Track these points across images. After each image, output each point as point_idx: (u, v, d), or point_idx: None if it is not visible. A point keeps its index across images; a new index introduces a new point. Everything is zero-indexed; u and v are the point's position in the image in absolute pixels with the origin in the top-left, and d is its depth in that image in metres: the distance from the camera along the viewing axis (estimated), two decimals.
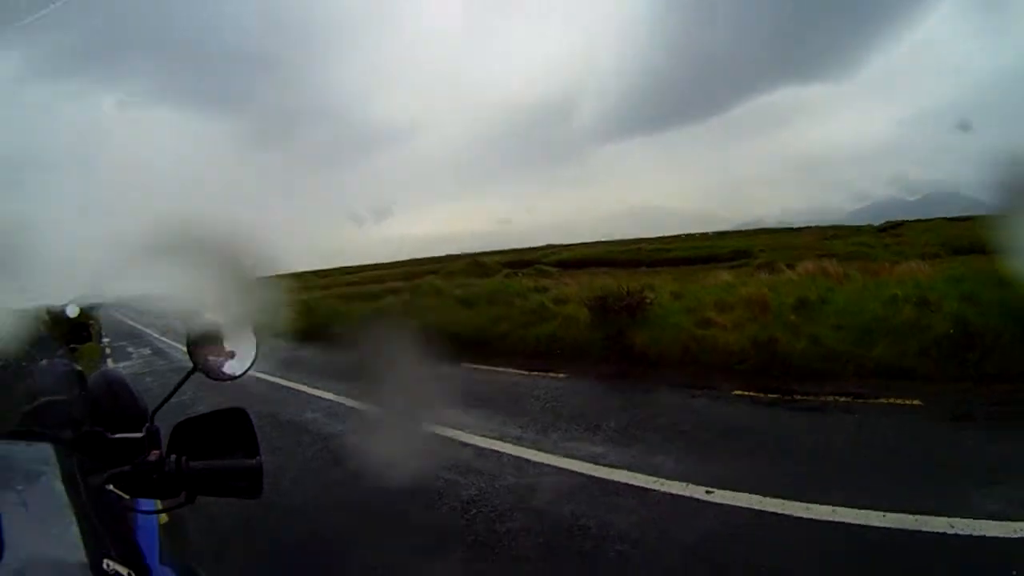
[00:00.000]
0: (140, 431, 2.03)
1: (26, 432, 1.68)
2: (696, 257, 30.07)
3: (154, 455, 1.74)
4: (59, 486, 1.34)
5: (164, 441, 1.81)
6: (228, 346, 2.05)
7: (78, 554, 1.17)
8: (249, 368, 2.06)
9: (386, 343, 17.51)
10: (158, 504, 2.01)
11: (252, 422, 1.86)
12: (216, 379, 2.02)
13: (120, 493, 1.65)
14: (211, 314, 2.07)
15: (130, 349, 25.94)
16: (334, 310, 23.82)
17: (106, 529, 1.39)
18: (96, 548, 1.22)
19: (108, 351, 24.98)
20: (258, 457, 1.81)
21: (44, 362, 2.19)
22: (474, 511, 5.89)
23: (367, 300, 25.12)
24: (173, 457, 1.73)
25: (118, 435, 1.89)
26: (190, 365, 1.99)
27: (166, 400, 1.93)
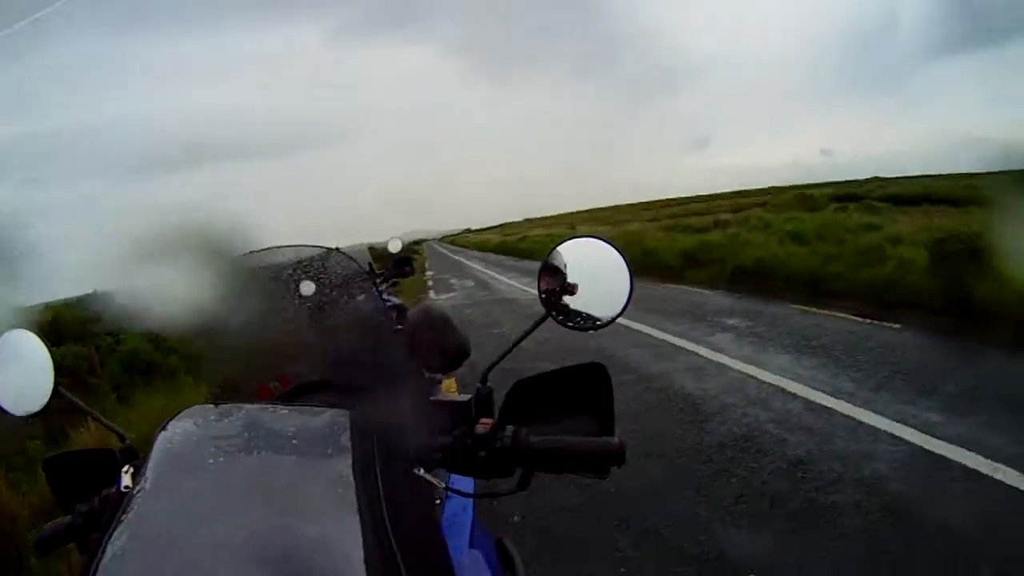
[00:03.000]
0: (458, 368, 2.06)
1: (323, 384, 1.68)
2: None
3: (484, 425, 1.53)
4: (350, 467, 1.18)
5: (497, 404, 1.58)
6: (575, 288, 1.63)
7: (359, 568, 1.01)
8: (621, 312, 1.65)
9: (716, 282, 17.84)
10: (481, 485, 1.74)
11: (611, 381, 1.57)
12: (577, 327, 1.65)
13: (432, 480, 1.49)
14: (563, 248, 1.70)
15: (453, 281, 27.48)
16: (660, 243, 24.17)
17: (408, 515, 1.27)
18: (386, 556, 1.09)
19: (431, 284, 26.26)
20: (613, 432, 1.52)
21: (362, 298, 2.07)
22: (800, 475, 5.85)
23: (693, 233, 25.37)
24: (509, 429, 1.50)
25: (440, 397, 1.73)
26: (514, 299, 1.74)
27: (504, 355, 1.63)
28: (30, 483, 6.98)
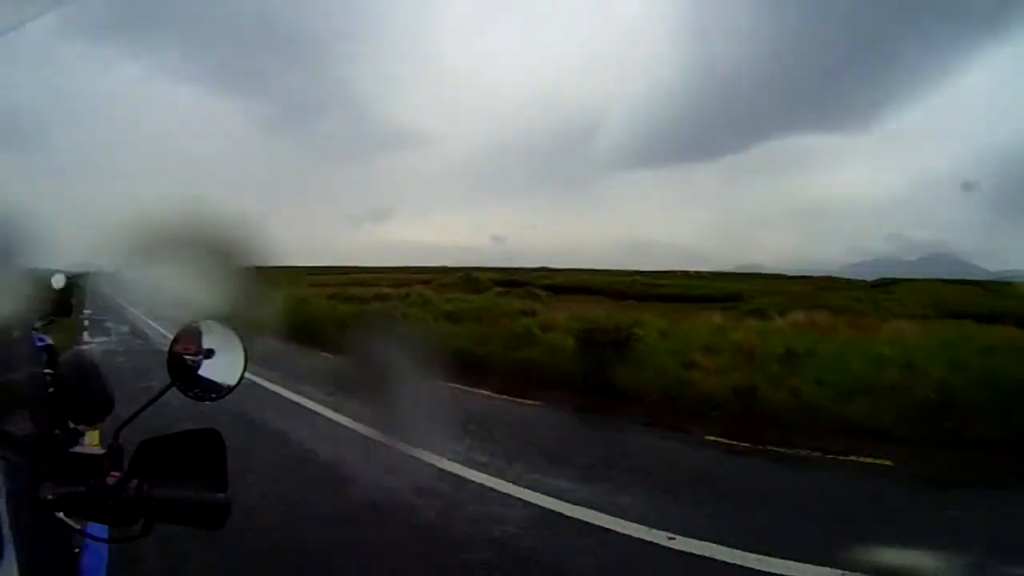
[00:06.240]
0: (101, 421, 2.08)
1: None
2: (688, 295, 30.22)
3: (113, 478, 1.57)
4: (2, 506, 1.28)
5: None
6: (212, 352, 1.83)
7: None
8: (236, 384, 1.84)
9: (364, 355, 17.46)
10: (111, 532, 1.81)
11: (224, 446, 1.68)
12: (197, 397, 1.80)
13: (70, 522, 1.55)
14: (194, 311, 1.90)
15: (109, 324, 25.91)
16: (321, 312, 23.81)
17: (50, 559, 1.42)
18: None
19: (86, 323, 24.88)
20: (226, 490, 1.64)
21: (16, 335, 2.17)
22: (433, 537, 5.80)
23: (354, 304, 25.17)
24: (134, 482, 1.55)
25: (76, 450, 1.76)
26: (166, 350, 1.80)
27: (133, 417, 1.69)
28: None
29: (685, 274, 39.46)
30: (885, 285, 34.49)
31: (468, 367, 14.67)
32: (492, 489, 6.93)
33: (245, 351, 1.84)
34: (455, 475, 7.35)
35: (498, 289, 29.33)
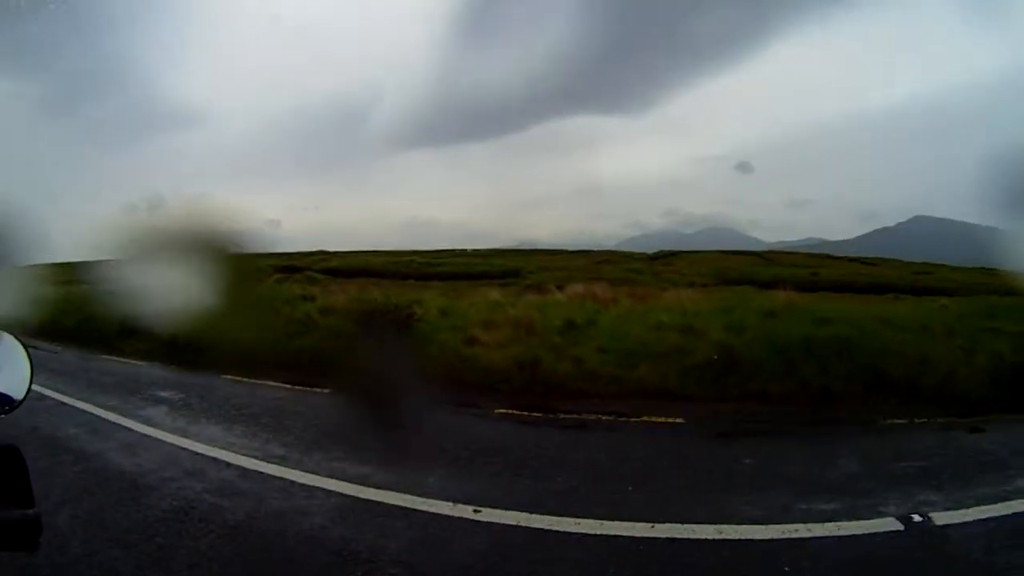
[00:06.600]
0: None
1: None
2: (467, 273, 30.37)
3: None
4: None
5: None
6: None
7: None
8: (27, 393, 1.84)
9: (143, 354, 16.68)
10: None
11: (26, 463, 1.60)
12: None
13: None
14: None
15: None
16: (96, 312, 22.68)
17: None
18: None
19: None
20: (33, 506, 1.55)
21: None
22: (242, 538, 5.60)
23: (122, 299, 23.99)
24: None
25: None
26: None
27: None
28: None
29: (464, 252, 39.63)
30: (664, 257, 35.59)
31: (249, 359, 14.30)
32: (293, 482, 6.79)
33: (31, 363, 1.85)
34: (256, 472, 7.12)
35: (277, 276, 28.63)
